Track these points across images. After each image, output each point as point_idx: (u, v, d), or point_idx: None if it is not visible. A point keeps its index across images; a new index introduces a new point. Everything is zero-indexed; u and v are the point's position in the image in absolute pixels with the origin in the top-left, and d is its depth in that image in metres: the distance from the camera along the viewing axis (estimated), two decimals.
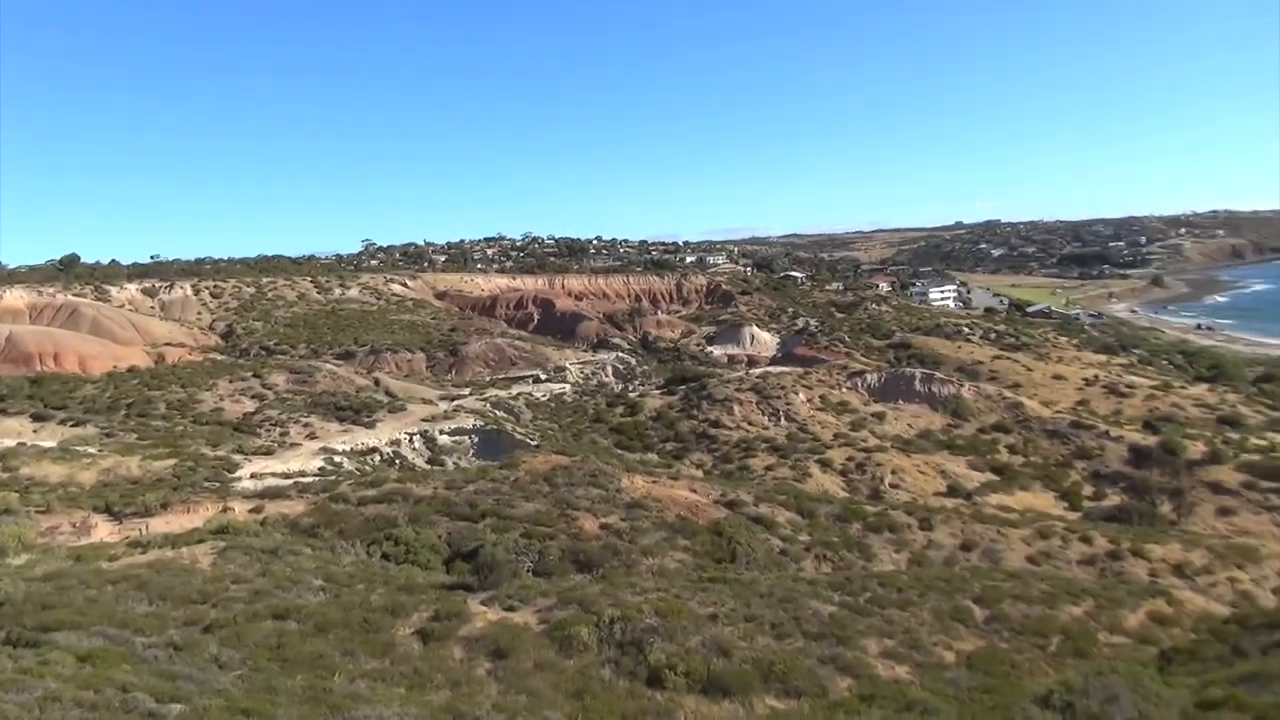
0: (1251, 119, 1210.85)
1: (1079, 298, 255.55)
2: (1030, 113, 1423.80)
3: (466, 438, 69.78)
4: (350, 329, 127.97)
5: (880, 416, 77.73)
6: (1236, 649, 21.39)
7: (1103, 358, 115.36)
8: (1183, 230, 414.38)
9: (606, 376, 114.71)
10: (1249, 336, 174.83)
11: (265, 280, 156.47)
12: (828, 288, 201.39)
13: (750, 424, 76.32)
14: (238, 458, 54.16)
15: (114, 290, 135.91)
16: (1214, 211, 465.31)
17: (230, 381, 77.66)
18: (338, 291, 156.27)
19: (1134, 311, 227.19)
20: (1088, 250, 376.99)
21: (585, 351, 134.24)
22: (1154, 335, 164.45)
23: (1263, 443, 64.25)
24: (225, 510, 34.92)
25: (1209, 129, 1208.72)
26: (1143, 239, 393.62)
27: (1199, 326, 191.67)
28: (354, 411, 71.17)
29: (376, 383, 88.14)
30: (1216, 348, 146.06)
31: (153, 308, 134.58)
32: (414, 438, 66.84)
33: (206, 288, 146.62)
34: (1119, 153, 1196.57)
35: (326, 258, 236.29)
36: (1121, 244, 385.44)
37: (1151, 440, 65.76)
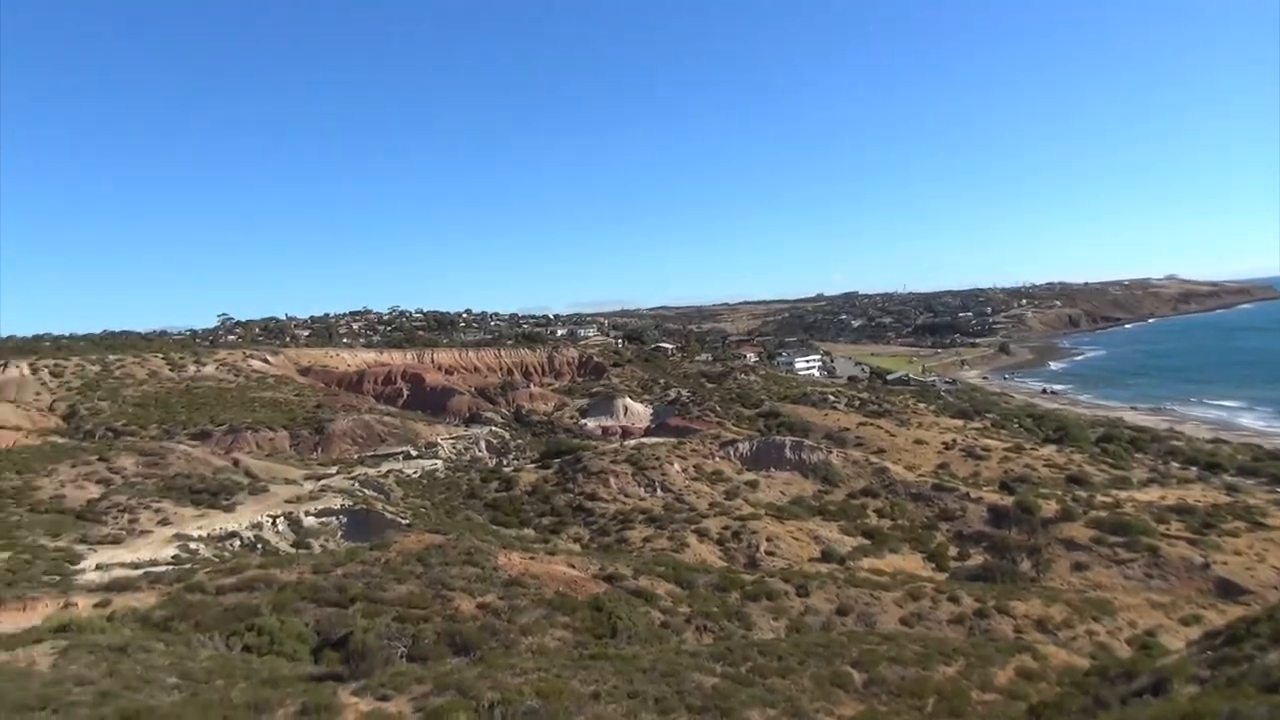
0: (1081, 200, 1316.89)
1: (934, 365, 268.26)
2: (881, 190, 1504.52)
3: (334, 518, 67.19)
4: (206, 407, 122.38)
5: (753, 484, 78.88)
6: (1098, 700, 22.22)
7: (959, 422, 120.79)
8: (1024, 301, 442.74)
9: (480, 451, 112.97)
10: (1089, 399, 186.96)
11: (112, 357, 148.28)
12: (697, 358, 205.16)
13: (627, 496, 76.21)
14: (81, 548, 50.44)
15: None
16: (1050, 283, 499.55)
17: (72, 466, 72.67)
18: (192, 368, 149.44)
19: (985, 378, 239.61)
20: (939, 320, 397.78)
21: (457, 426, 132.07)
22: (1004, 400, 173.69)
23: (1108, 499, 68.15)
24: (67, 606, 32.32)
25: (1046, 206, 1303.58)
26: (989, 309, 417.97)
27: (1044, 391, 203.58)
28: (211, 494, 67.60)
29: (236, 463, 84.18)
30: (1061, 410, 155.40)
31: None
32: (277, 520, 63.91)
33: (46, 366, 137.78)
34: (964, 228, 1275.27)
35: (180, 333, 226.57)
36: (970, 314, 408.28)
37: (1009, 500, 68.83)
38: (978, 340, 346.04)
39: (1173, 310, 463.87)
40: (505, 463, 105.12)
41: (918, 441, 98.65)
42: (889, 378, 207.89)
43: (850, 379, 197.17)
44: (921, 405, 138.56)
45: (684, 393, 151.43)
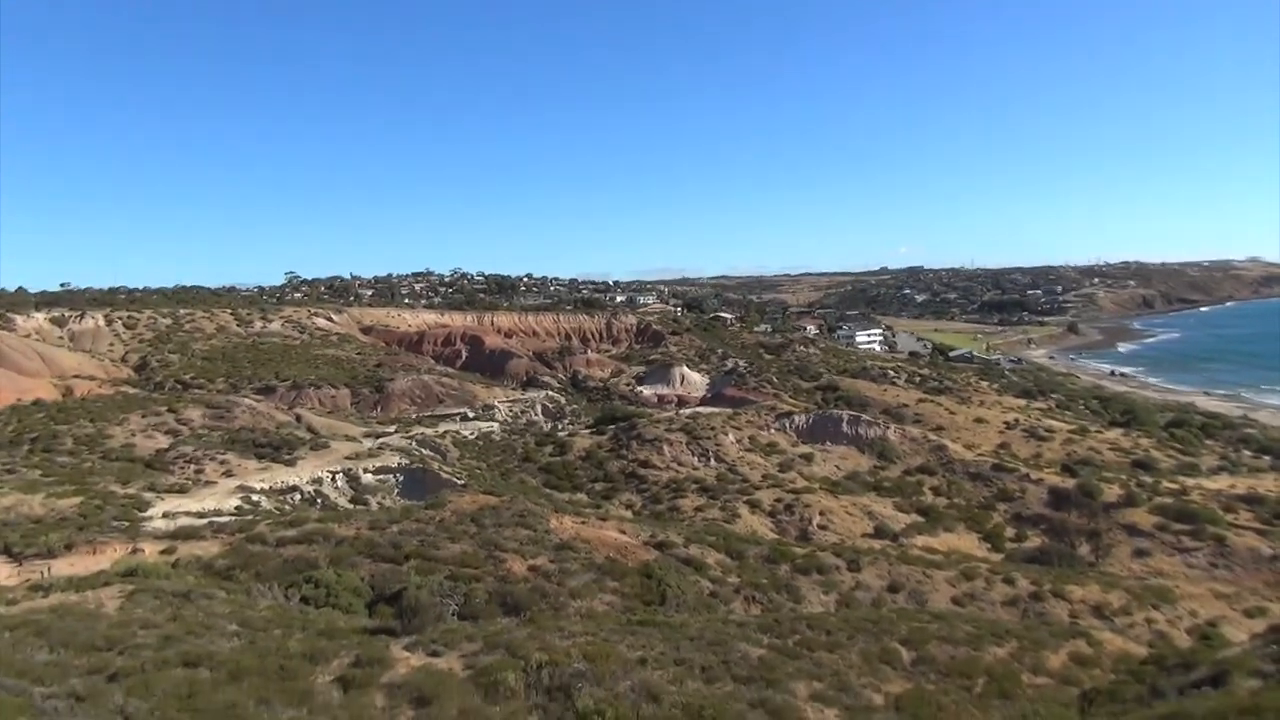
0: (1161, 176, 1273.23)
1: (999, 343, 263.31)
2: (952, 162, 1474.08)
3: (391, 476, 68.54)
4: (271, 363, 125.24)
5: (808, 458, 78.58)
6: (1154, 689, 21.84)
7: (1022, 402, 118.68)
8: (1096, 280, 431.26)
9: (535, 415, 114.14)
10: (1159, 383, 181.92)
11: (182, 311, 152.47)
12: (756, 329, 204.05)
13: (680, 464, 76.49)
14: (149, 496, 52.22)
15: (19, 319, 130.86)
16: (1125, 262, 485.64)
17: (143, 416, 75.12)
18: (259, 324, 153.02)
19: (1051, 358, 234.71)
20: (1007, 298, 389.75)
21: (514, 390, 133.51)
22: (1070, 381, 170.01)
23: (1174, 486, 66.52)
24: (134, 551, 33.56)
25: (1126, 181, 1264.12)
26: (1059, 288, 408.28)
27: (1113, 373, 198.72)
28: (274, 449, 69.35)
29: (298, 419, 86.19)
30: (1130, 394, 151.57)
31: (61, 338, 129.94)
32: (336, 476, 65.38)
33: (120, 318, 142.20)
34: (1038, 202, 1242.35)
35: (248, 290, 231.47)
36: (1039, 292, 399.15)
37: (1070, 483, 67.58)
38: (1046, 319, 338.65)
39: (1253, 293, 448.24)
40: (560, 427, 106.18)
41: (978, 420, 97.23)
42: (952, 355, 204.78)
43: (911, 355, 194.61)
44: (984, 383, 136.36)
45: (741, 363, 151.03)
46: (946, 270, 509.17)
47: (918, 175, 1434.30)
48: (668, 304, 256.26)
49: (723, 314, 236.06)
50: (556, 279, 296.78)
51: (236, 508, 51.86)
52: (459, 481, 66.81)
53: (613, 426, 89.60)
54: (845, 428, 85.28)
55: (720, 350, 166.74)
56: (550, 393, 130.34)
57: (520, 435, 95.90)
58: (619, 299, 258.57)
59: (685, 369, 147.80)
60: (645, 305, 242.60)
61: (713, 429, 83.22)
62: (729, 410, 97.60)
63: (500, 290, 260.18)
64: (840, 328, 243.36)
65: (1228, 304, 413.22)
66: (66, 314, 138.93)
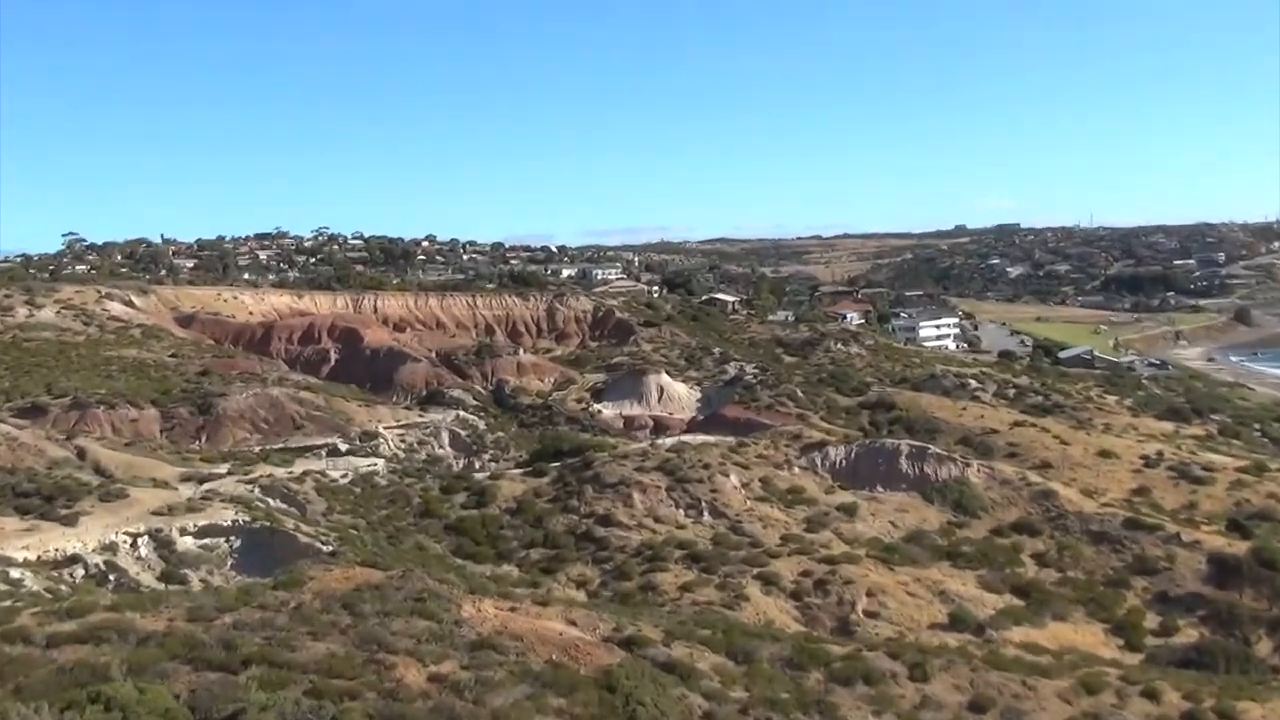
0: None
1: (1133, 338, 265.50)
2: (1060, 80, 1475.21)
3: (223, 540, 68.06)
4: (41, 371, 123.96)
5: (850, 510, 78.74)
6: None
7: (1169, 426, 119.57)
8: (1276, 245, 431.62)
9: (441, 447, 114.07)
10: None
11: None
12: (772, 318, 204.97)
13: (658, 521, 76.43)
14: None
15: None
16: None
17: None
18: (22, 312, 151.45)
19: (1211, 359, 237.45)
20: (1144, 271, 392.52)
21: (408, 409, 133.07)
22: (1240, 394, 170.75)
23: None
24: None
25: None
26: (1220, 256, 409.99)
27: None
28: (44, 500, 68.57)
29: (81, 454, 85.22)
30: None
31: None
32: (139, 541, 64.79)
33: None
34: (1191, 133, 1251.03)
35: (9, 259, 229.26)
36: (1191, 262, 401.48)
37: (1241, 548, 67.97)
38: (1201, 301, 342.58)
39: None
40: (478, 465, 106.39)
41: (1103, 453, 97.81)
42: (1063, 355, 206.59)
43: (1003, 356, 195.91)
44: (1110, 399, 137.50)
45: (749, 369, 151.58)
46: (1054, 230, 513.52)
47: (1012, 90, 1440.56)
48: (639, 280, 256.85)
49: (721, 295, 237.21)
50: (473, 244, 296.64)
51: None
52: (325, 548, 66.40)
53: (557, 465, 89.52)
54: (905, 465, 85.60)
55: (718, 350, 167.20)
56: (463, 413, 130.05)
57: (417, 478, 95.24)
58: (566, 273, 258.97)
59: (665, 378, 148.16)
60: (606, 282, 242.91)
61: (707, 467, 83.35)
62: (731, 440, 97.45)
63: (388, 261, 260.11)
64: (896, 315, 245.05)
65: None
66: None
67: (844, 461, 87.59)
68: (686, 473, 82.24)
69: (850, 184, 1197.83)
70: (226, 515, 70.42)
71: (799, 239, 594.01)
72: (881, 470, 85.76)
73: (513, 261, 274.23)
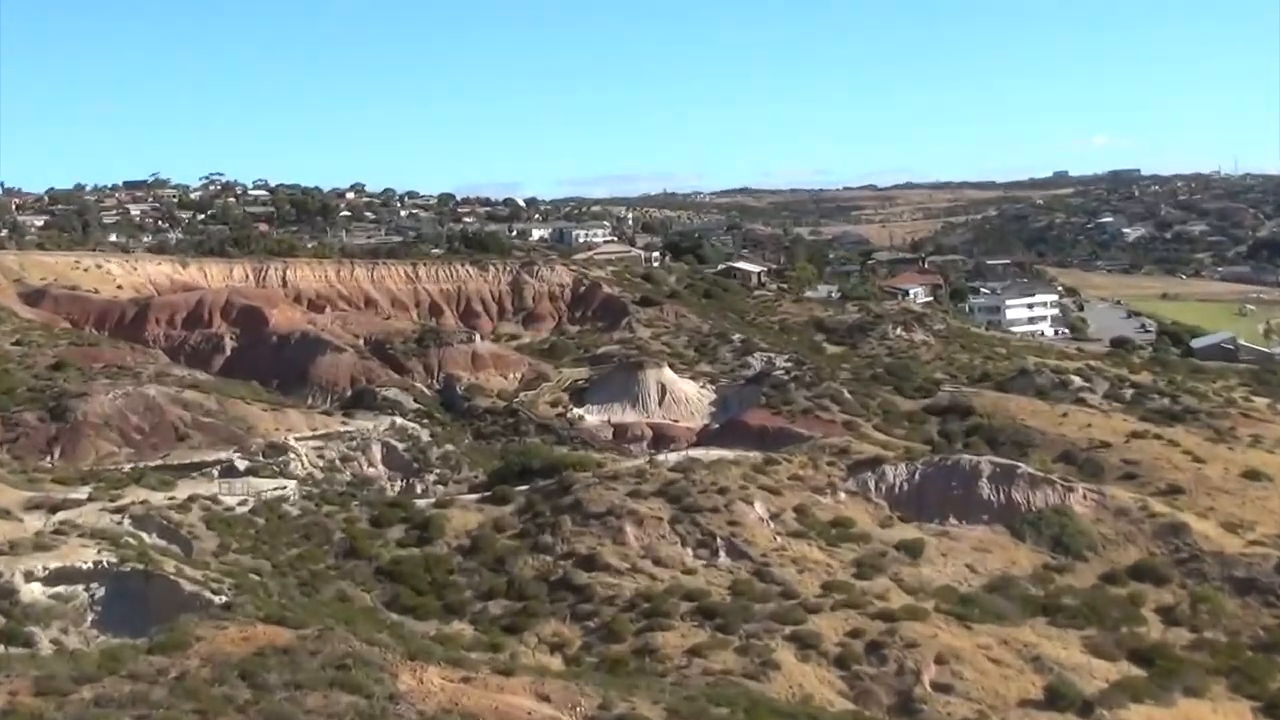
0: None
1: None
2: None
3: (82, 589, 68.16)
4: None
5: (914, 549, 79.13)
6: None
7: None
8: None
9: (371, 465, 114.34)
10: None
11: None
12: (811, 295, 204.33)
13: (659, 563, 76.80)
14: None
15: None
16: None
17: None
18: None
19: None
20: None
21: (329, 414, 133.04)
22: None
23: None
24: None
25: None
26: None
27: None
28: None
29: None
30: None
31: None
32: None
33: None
34: None
35: None
36: None
37: None
38: None
39: None
40: (421, 489, 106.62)
41: (1250, 475, 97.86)
42: (1196, 344, 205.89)
43: (1116, 345, 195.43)
44: (1261, 402, 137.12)
45: (780, 362, 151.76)
46: (1185, 179, 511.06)
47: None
48: (633, 244, 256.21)
49: (743, 264, 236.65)
50: (415, 197, 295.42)
51: None
52: (217, 598, 66.56)
53: (525, 489, 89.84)
54: (986, 490, 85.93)
55: (738, 337, 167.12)
56: (401, 420, 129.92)
57: (340, 506, 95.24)
58: (538, 234, 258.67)
59: (668, 374, 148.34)
60: (590, 247, 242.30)
61: (723, 492, 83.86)
62: (755, 456, 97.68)
63: (302, 218, 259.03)
64: (975, 291, 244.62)
65: None
66: None
67: (906, 485, 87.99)
68: (696, 499, 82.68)
69: (914, 118, 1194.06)
70: (86, 555, 70.32)
71: (846, 190, 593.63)
72: (955, 496, 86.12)
73: (467, 220, 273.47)
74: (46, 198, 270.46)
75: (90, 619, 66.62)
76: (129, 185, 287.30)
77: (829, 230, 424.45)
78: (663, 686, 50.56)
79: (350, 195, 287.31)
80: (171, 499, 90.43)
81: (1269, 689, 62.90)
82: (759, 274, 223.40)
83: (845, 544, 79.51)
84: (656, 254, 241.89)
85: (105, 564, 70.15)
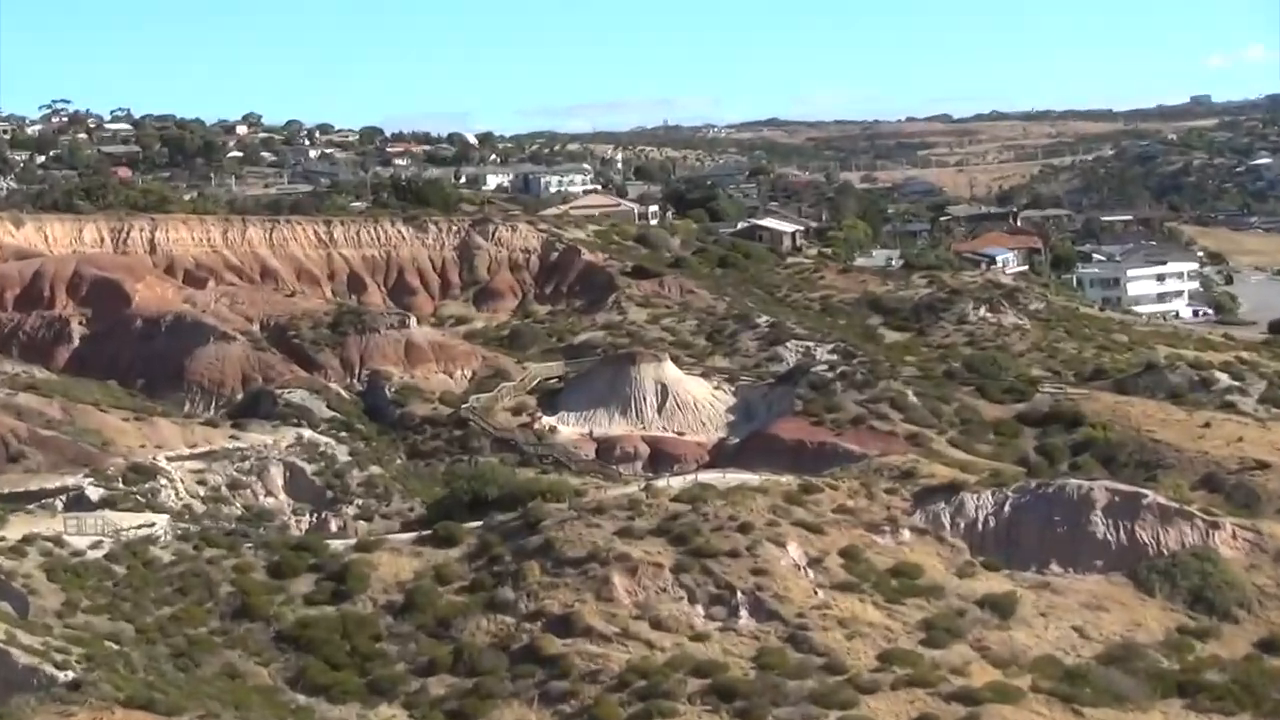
0: None
1: None
2: None
3: None
4: None
5: (1003, 606, 78.80)
6: None
7: None
8: None
9: (271, 494, 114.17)
10: None
11: None
12: (863, 262, 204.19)
13: (658, 626, 76.50)
14: None
15: None
16: None
17: None
18: None
19: None
20: None
21: (212, 424, 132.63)
22: None
23: None
24: None
25: None
26: None
27: None
28: None
29: None
30: None
31: None
32: None
33: None
34: None
35: None
36: None
37: None
38: None
39: None
40: (337, 525, 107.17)
41: None
42: None
43: (1276, 328, 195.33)
44: None
45: (822, 353, 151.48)
46: None
47: None
48: (623, 194, 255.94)
49: (771, 221, 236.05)
50: (328, 132, 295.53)
51: None
52: (61, 674, 66.21)
53: (478, 526, 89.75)
54: (1101, 526, 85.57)
55: (765, 320, 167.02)
56: (310, 433, 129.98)
57: (229, 548, 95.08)
58: (495, 181, 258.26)
59: (670, 369, 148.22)
60: (565, 198, 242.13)
61: (745, 529, 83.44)
62: (789, 481, 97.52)
63: (177, 161, 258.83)
64: (1086, 258, 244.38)
65: None
66: None
67: (992, 520, 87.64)
68: (709, 540, 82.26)
69: (1000, 23, 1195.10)
70: None
71: (910, 122, 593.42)
72: (1059, 535, 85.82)
73: (398, 163, 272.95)
74: None
75: None
76: None
77: (887, 176, 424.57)
78: None
79: (242, 130, 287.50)
80: (0, 540, 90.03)
81: None
82: (793, 235, 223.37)
83: (910, 600, 79.08)
84: (655, 208, 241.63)
85: None
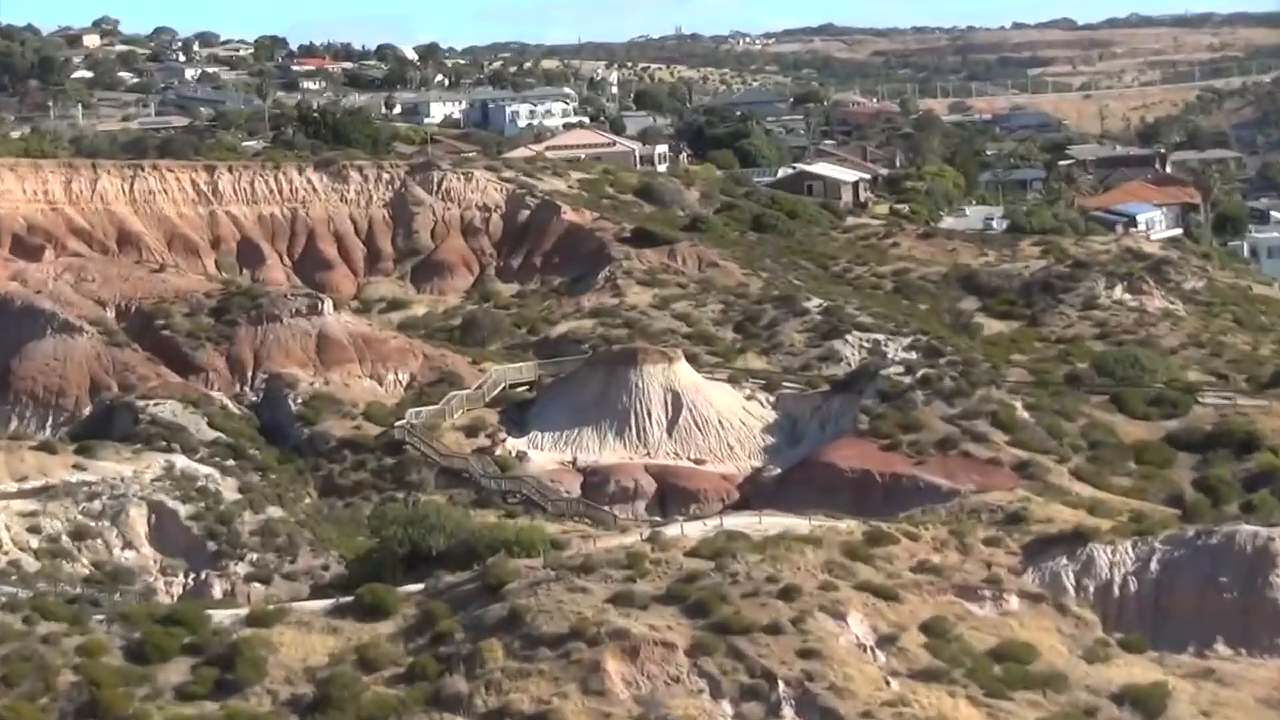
0: None
1: None
2: None
3: None
4: None
5: (1152, 701, 77.03)
6: None
7: None
8: None
9: (132, 546, 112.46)
10: None
11: None
12: (951, 221, 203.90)
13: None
14: None
15: None
16: None
17: None
18: None
19: None
20: None
21: (51, 449, 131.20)
22: None
23: None
24: None
25: None
26: None
27: None
28: None
29: None
30: None
31: None
32: None
33: None
34: None
35: None
36: None
37: None
38: None
39: None
40: (224, 587, 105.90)
41: None
42: None
43: None
44: None
45: (894, 349, 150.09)
46: None
47: None
48: (620, 130, 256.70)
49: (825, 167, 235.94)
50: (212, 43, 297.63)
51: None
52: None
53: (418, 589, 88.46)
54: None
55: (816, 303, 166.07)
56: (184, 460, 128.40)
57: (73, 621, 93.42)
58: (442, 112, 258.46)
59: (685, 372, 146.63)
60: (539, 135, 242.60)
61: (790, 595, 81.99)
62: (850, 526, 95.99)
63: (4, 83, 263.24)
64: (1262, 216, 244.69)
65: None
66: None
67: (1134, 581, 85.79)
68: (740, 610, 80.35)
69: None
70: None
71: (1015, 30, 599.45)
72: (1228, 602, 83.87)
73: (308, 86, 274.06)
74: None
75: None
76: None
77: (986, 105, 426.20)
78: None
79: (92, 42, 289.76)
80: None
81: None
82: (855, 186, 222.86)
83: (1020, 693, 76.91)
84: (664, 149, 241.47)
85: None
